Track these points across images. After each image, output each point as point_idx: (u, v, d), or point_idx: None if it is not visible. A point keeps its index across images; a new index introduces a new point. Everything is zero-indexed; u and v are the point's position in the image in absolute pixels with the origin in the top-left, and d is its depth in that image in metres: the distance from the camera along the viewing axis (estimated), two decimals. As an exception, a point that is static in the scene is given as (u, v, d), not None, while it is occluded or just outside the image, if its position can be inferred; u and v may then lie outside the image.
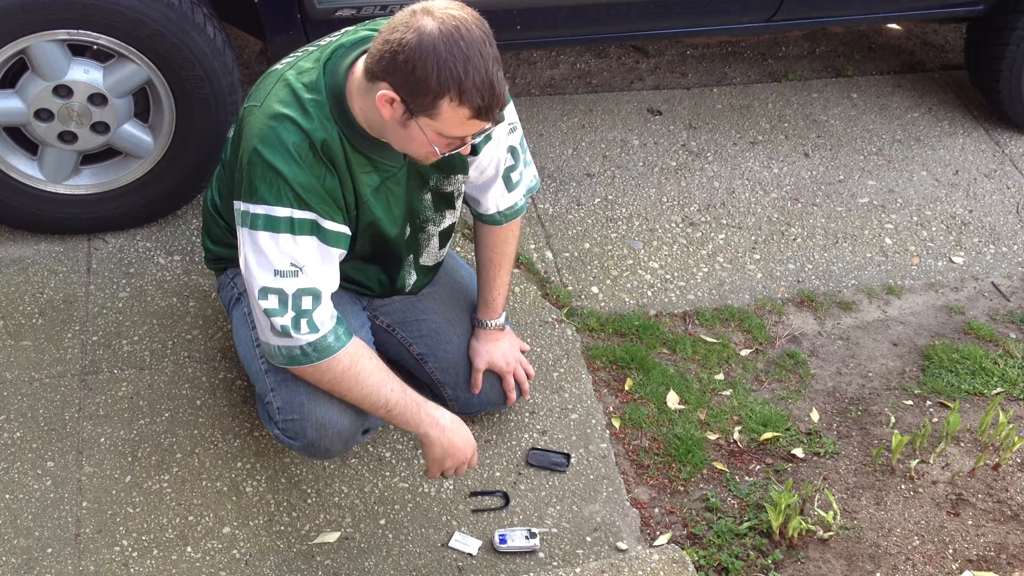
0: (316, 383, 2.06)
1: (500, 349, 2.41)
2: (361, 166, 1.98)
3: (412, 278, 2.33)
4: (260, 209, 1.89)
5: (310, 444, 2.12)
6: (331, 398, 2.08)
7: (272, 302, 1.92)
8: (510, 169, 2.27)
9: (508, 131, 2.21)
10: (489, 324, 2.40)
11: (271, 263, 1.90)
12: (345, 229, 1.98)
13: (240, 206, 1.93)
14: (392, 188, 2.07)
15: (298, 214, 1.89)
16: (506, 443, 2.49)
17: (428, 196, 2.18)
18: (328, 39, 2.03)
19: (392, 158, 2.02)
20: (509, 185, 2.29)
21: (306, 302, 1.93)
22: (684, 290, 3.00)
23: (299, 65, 1.95)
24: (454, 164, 2.13)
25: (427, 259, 2.33)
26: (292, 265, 1.91)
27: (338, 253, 1.99)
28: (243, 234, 1.94)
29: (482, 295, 2.41)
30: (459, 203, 2.27)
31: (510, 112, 2.20)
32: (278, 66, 2.00)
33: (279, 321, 1.93)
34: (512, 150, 2.25)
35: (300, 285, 1.92)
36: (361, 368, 2.02)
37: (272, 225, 1.89)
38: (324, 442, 2.11)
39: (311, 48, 2.01)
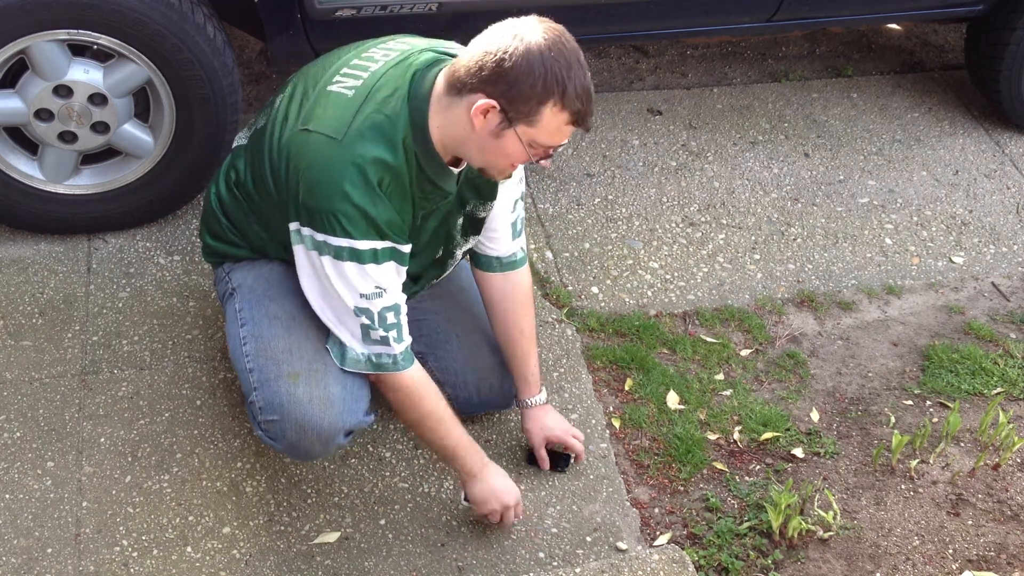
0: (395, 400, 2.13)
1: (553, 420, 2.42)
2: (424, 192, 2.03)
3: (424, 289, 2.38)
4: (343, 242, 1.93)
5: (291, 445, 2.12)
6: (311, 399, 2.08)
7: (364, 319, 2.01)
8: (518, 217, 2.33)
9: (519, 180, 2.30)
10: (532, 403, 2.40)
11: (357, 288, 1.98)
12: (410, 247, 2.06)
13: (314, 235, 1.95)
14: (440, 208, 2.12)
15: (380, 245, 1.96)
16: (506, 443, 2.49)
17: (460, 220, 2.21)
18: (382, 55, 2.02)
19: (449, 183, 2.06)
20: (514, 230, 2.33)
21: (390, 317, 2.03)
22: (684, 290, 3.00)
23: (373, 98, 1.94)
24: (493, 191, 2.19)
25: (444, 276, 2.37)
26: (376, 288, 1.99)
27: (405, 268, 2.08)
28: (322, 260, 1.97)
29: (520, 372, 2.39)
30: (482, 231, 2.30)
31: (519, 169, 2.26)
32: (344, 91, 1.97)
33: (376, 333, 2.03)
34: (518, 200, 2.31)
35: (384, 304, 2.01)
36: (436, 389, 2.15)
37: (356, 256, 1.95)
38: (304, 444, 2.11)
39: (368, 64, 2.01)
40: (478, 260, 2.35)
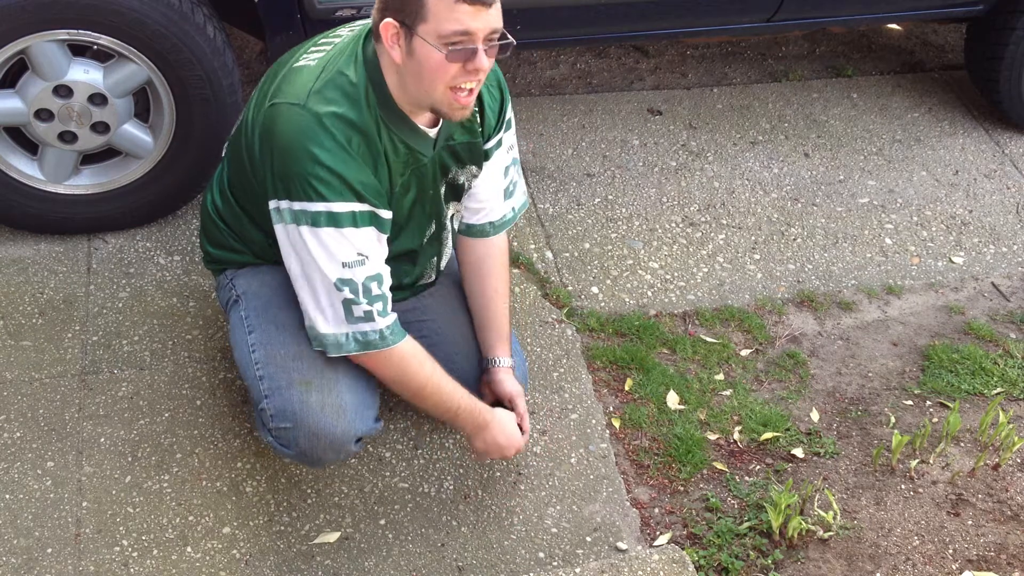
0: (388, 378, 2.11)
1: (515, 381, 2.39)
2: (398, 155, 2.02)
3: (427, 278, 2.35)
4: (320, 207, 1.92)
5: (303, 453, 2.12)
6: (324, 407, 2.08)
7: (347, 292, 1.98)
8: (510, 181, 2.34)
9: (509, 148, 2.30)
10: (503, 363, 2.36)
11: (338, 256, 1.96)
12: (390, 214, 2.04)
13: (291, 205, 1.94)
14: (417, 174, 2.09)
15: (358, 207, 1.95)
16: (506, 443, 2.49)
17: (444, 188, 2.20)
18: (346, 31, 2.06)
19: (423, 145, 2.05)
20: (506, 194, 2.33)
21: (374, 288, 2.00)
22: (684, 290, 3.00)
23: (333, 63, 1.97)
24: (475, 156, 2.18)
25: (444, 260, 2.35)
26: (359, 255, 1.97)
27: (386, 236, 2.05)
28: (300, 232, 1.95)
29: (497, 331, 2.35)
30: (465, 201, 2.28)
31: (510, 136, 2.27)
32: (309, 63, 2.00)
33: (360, 308, 2.00)
34: (509, 167, 2.32)
35: (367, 273, 1.99)
36: (427, 361, 2.11)
37: (335, 221, 1.93)
38: (317, 451, 2.12)
39: (333, 40, 2.04)
40: (471, 230, 2.34)
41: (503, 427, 2.24)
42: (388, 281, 2.05)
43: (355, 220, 1.94)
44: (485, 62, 1.88)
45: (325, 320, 2.03)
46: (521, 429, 2.31)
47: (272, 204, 1.98)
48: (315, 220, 1.93)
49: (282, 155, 1.92)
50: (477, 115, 2.16)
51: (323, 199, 1.91)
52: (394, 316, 2.06)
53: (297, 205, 1.93)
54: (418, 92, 1.94)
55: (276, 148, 1.93)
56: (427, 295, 2.40)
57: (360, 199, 1.94)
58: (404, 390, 2.15)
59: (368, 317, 2.01)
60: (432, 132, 2.07)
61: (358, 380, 2.12)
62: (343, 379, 2.10)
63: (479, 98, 2.15)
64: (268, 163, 1.96)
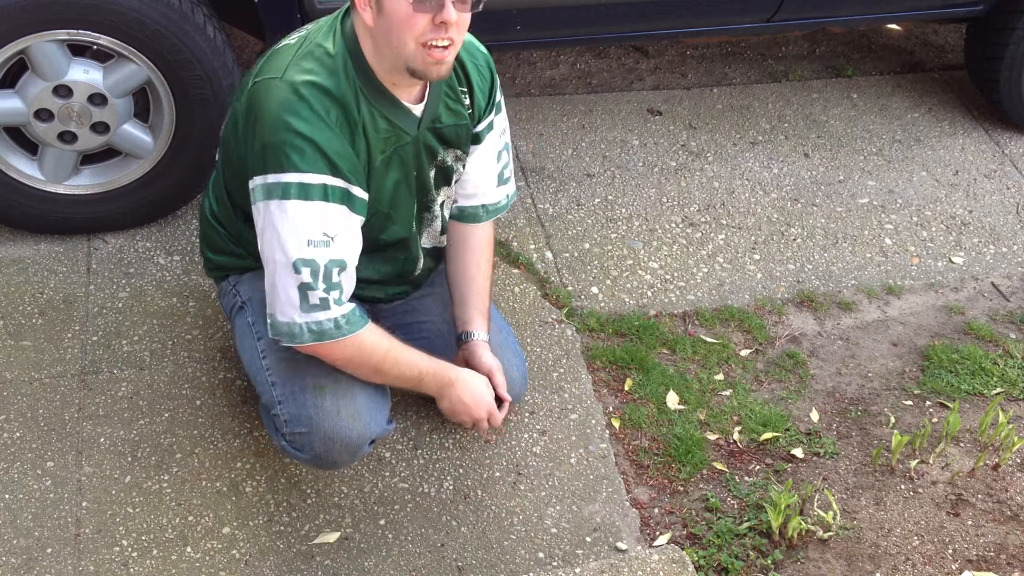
0: (343, 360, 2.05)
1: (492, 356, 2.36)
2: (377, 129, 2.00)
3: (420, 262, 2.32)
4: (292, 177, 1.89)
5: (317, 457, 2.12)
6: (339, 411, 2.08)
7: (306, 275, 1.92)
8: (504, 166, 2.33)
9: (501, 132, 2.29)
10: (481, 336, 2.30)
11: (303, 233, 1.91)
12: (366, 195, 2.01)
13: (265, 179, 1.91)
14: (399, 152, 2.07)
15: (331, 181, 1.91)
16: (506, 443, 2.49)
17: (433, 172, 2.18)
18: (330, 14, 2.07)
19: (405, 121, 2.03)
20: (500, 179, 2.32)
21: (335, 274, 1.95)
22: (684, 290, 3.00)
23: (311, 38, 1.98)
24: (460, 139, 2.16)
25: (427, 240, 2.31)
26: (324, 235, 1.92)
27: (360, 221, 2.01)
28: (269, 207, 1.91)
29: (475, 305, 2.31)
30: (455, 186, 2.27)
31: (501, 119, 2.27)
32: (289, 41, 2.01)
33: (316, 294, 1.93)
34: (502, 151, 2.31)
35: (331, 256, 1.93)
36: (383, 339, 2.07)
37: (305, 193, 1.89)
38: (332, 455, 2.12)
39: (315, 24, 2.05)
40: (463, 213, 2.32)
41: (468, 386, 2.18)
42: (352, 274, 2.00)
43: (326, 194, 1.90)
44: (453, 14, 1.85)
45: (280, 307, 1.97)
46: (500, 401, 2.26)
47: (250, 185, 1.96)
48: (285, 191, 1.89)
49: (262, 129, 1.91)
50: (466, 97, 2.15)
51: (296, 168, 1.88)
52: (351, 306, 2.00)
53: (271, 178, 1.90)
54: (390, 52, 1.92)
55: (257, 124, 1.92)
56: (424, 295, 2.40)
57: (334, 172, 1.91)
58: (359, 371, 2.09)
59: (323, 305, 1.95)
60: (416, 110, 2.05)
61: (369, 384, 2.12)
62: (356, 382, 2.10)
63: (468, 79, 2.14)
64: (250, 141, 1.94)
